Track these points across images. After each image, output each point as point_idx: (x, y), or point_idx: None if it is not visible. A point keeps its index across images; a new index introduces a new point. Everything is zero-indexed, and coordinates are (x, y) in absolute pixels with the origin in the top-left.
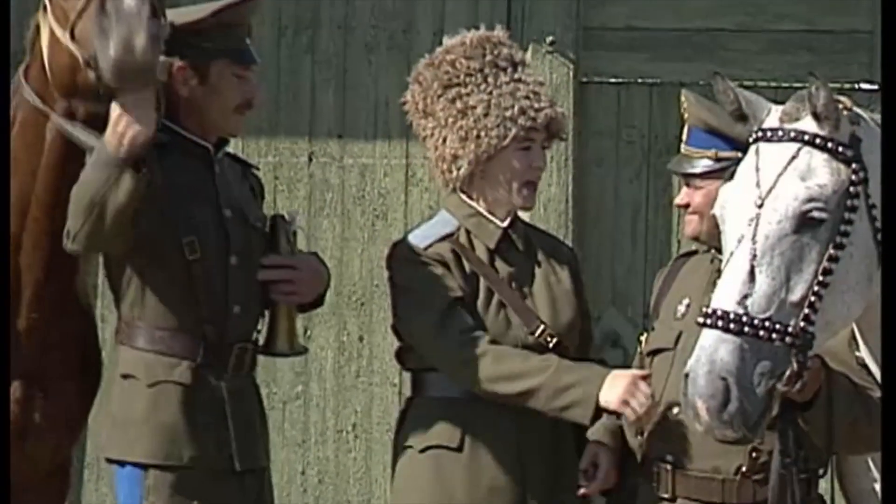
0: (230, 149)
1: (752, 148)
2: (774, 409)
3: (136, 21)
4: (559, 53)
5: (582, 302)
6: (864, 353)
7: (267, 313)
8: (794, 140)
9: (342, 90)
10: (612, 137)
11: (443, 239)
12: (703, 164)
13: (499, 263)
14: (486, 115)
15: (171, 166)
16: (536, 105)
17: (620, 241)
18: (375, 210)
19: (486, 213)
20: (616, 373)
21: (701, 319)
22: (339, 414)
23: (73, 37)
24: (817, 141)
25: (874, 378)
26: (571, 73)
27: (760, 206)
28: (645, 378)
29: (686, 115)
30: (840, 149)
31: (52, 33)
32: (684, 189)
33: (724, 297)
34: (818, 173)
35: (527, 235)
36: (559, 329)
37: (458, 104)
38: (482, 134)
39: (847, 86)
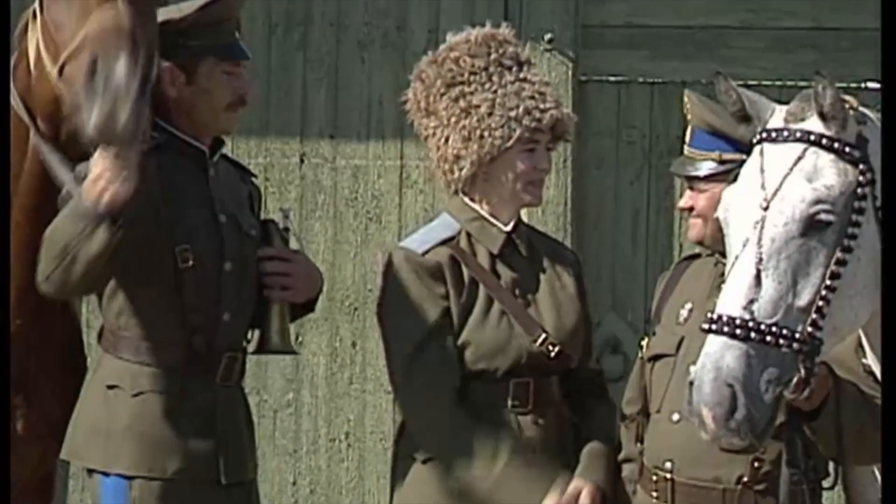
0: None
1: (757, 149)
2: (779, 417)
3: (122, 95)
4: (557, 52)
5: (585, 307)
6: (870, 359)
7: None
8: (799, 140)
9: (334, 89)
10: (612, 138)
11: (443, 243)
12: (706, 167)
13: (501, 269)
14: (489, 114)
15: (166, 166)
16: (542, 105)
17: (621, 244)
18: (369, 213)
19: (489, 217)
20: (561, 489)
21: (706, 325)
22: (331, 422)
23: (60, 73)
24: (824, 141)
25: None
26: (570, 72)
27: (766, 209)
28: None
29: (689, 116)
30: (847, 149)
31: (38, 56)
32: (687, 192)
33: (730, 303)
34: (825, 174)
35: (530, 240)
36: (563, 336)
37: (462, 103)
38: (485, 134)
39: (853, 85)
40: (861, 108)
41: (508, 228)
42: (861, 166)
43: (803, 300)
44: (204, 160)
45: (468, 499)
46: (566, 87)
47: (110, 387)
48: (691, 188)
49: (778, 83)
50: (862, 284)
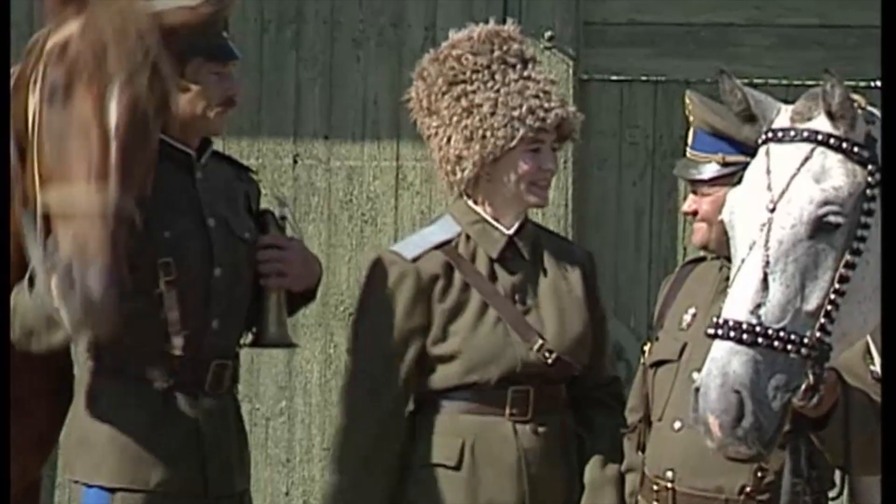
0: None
1: (762, 149)
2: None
3: (99, 309)
4: (558, 49)
5: (597, 309)
6: (879, 366)
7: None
8: (806, 140)
9: (328, 88)
10: (614, 138)
11: (438, 247)
12: (709, 170)
13: (500, 273)
14: (492, 114)
15: None
16: (546, 105)
17: (623, 247)
18: (364, 215)
19: (491, 220)
20: None
21: (711, 330)
22: (325, 431)
23: (43, 212)
24: (831, 141)
25: None
26: (571, 71)
27: (773, 211)
28: None
29: (691, 118)
30: (855, 149)
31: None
32: (690, 196)
33: (736, 307)
34: (833, 175)
35: (536, 241)
36: (564, 343)
37: (464, 102)
38: (488, 134)
39: (862, 83)
40: (869, 108)
41: (510, 231)
42: (870, 167)
43: (811, 304)
44: (191, 163)
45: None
46: (567, 86)
47: (93, 397)
48: (694, 192)
49: (784, 82)
50: (871, 288)
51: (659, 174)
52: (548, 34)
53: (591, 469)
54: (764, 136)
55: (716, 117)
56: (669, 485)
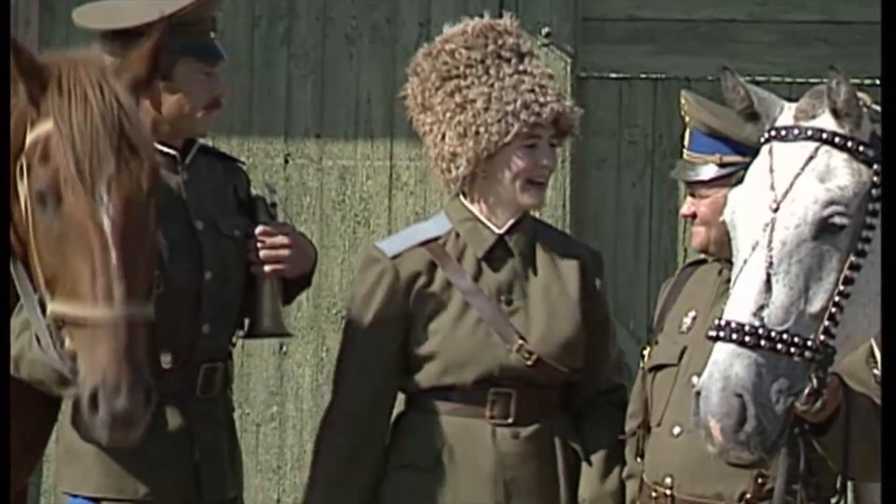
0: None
1: (765, 148)
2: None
3: (134, 425)
4: (556, 46)
5: (597, 312)
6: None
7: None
8: (810, 139)
9: (321, 86)
10: (612, 137)
11: (424, 244)
12: (707, 171)
13: (487, 273)
14: (486, 109)
15: None
16: (541, 99)
17: (622, 249)
18: (357, 216)
19: (483, 219)
20: None
21: (713, 332)
22: None
23: (54, 321)
24: (836, 140)
25: None
26: (569, 68)
27: (776, 211)
28: None
29: (686, 118)
30: (861, 148)
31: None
32: (689, 198)
33: (739, 309)
34: (838, 174)
35: (531, 240)
36: (548, 346)
37: (457, 97)
38: (482, 130)
39: (867, 81)
40: (875, 106)
41: (501, 230)
42: (875, 166)
43: (815, 306)
44: (175, 165)
45: None
46: (564, 83)
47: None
48: (692, 194)
49: (788, 79)
50: (875, 291)
51: (659, 174)
52: (545, 31)
53: (590, 483)
54: (767, 135)
55: (712, 117)
56: (668, 491)
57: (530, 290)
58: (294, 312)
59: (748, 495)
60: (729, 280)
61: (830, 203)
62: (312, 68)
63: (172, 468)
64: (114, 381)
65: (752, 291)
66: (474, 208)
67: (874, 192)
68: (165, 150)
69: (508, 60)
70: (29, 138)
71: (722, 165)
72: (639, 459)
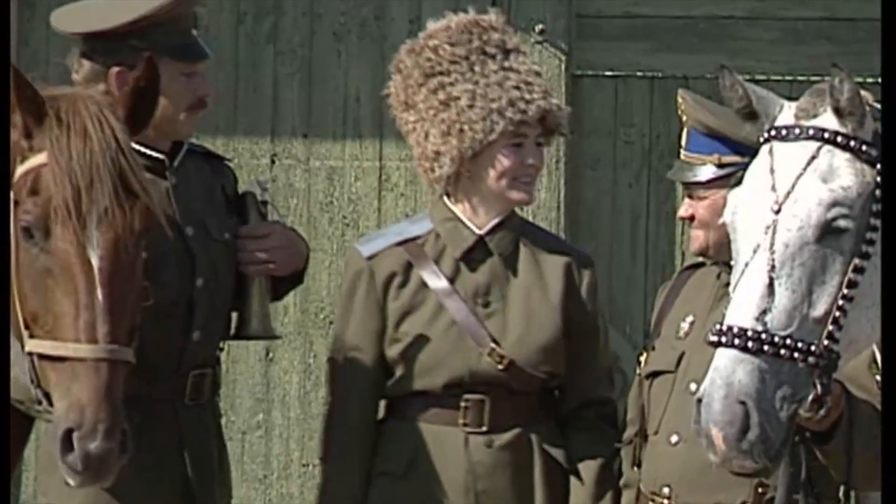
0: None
1: (765, 148)
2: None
3: (106, 473)
4: (550, 44)
5: (583, 318)
6: None
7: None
8: (812, 138)
9: (308, 84)
10: (608, 137)
11: (402, 243)
12: (705, 172)
13: (465, 273)
14: (470, 107)
15: None
16: (527, 96)
17: (618, 251)
18: (345, 218)
19: (464, 219)
20: None
21: (714, 338)
22: (304, 446)
23: (31, 356)
24: (839, 139)
25: None
26: (563, 66)
27: (778, 212)
28: None
29: (684, 118)
30: (864, 148)
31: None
32: (686, 200)
33: (741, 313)
34: (841, 175)
35: (515, 241)
36: (523, 350)
37: (441, 95)
38: (466, 128)
39: (869, 79)
40: (877, 104)
41: (482, 231)
42: (879, 166)
43: (819, 311)
44: (162, 169)
45: None
46: (559, 81)
47: None
48: (690, 195)
49: (788, 77)
50: (879, 294)
51: (656, 175)
52: (539, 27)
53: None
54: (766, 134)
55: (710, 116)
56: (666, 501)
57: (510, 291)
58: (281, 317)
59: None
60: (727, 284)
61: (834, 204)
62: (299, 66)
63: (163, 477)
64: (91, 422)
65: (755, 295)
66: (457, 209)
67: (878, 192)
68: (152, 153)
69: (493, 57)
70: (18, 171)
71: (720, 166)
72: (635, 468)
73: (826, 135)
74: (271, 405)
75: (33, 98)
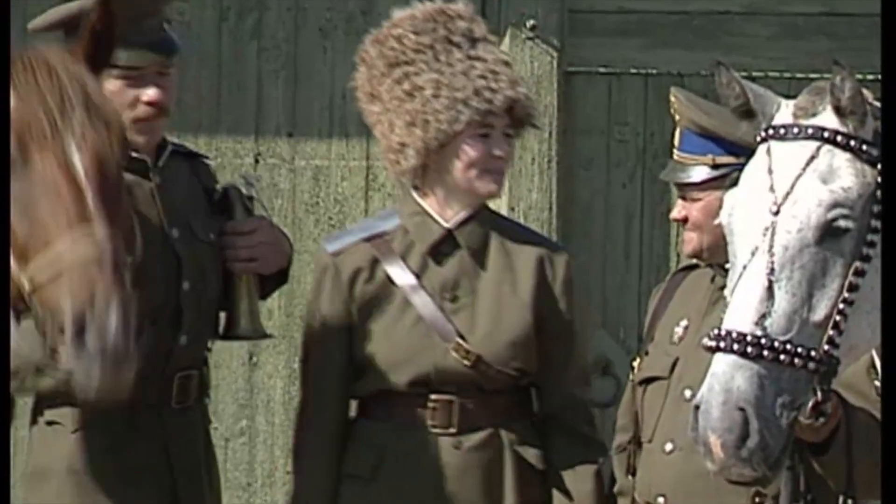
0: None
1: (762, 147)
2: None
3: (122, 357)
4: (541, 40)
5: (556, 314)
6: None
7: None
8: (811, 138)
9: (293, 81)
10: (601, 135)
11: (369, 239)
12: (699, 173)
13: (432, 268)
14: (435, 97)
15: None
16: (494, 85)
17: (612, 253)
18: (331, 218)
19: (432, 213)
20: None
21: (712, 343)
22: (289, 452)
23: (32, 288)
24: (839, 139)
25: None
26: (555, 63)
27: (776, 214)
28: None
29: (676, 117)
30: (864, 147)
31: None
32: (679, 202)
33: (739, 317)
34: (841, 175)
35: (485, 235)
36: (490, 346)
37: (405, 85)
38: (430, 119)
39: (870, 76)
40: (877, 102)
41: (449, 224)
42: (880, 166)
43: (819, 315)
44: (146, 169)
45: None
46: (551, 79)
47: (49, 423)
48: (683, 197)
49: (787, 74)
50: (879, 297)
51: (650, 175)
52: (530, 23)
53: None
54: (764, 134)
55: (703, 116)
56: None
57: (479, 286)
58: (265, 321)
59: None
60: (722, 287)
61: (834, 205)
62: (284, 63)
63: (150, 482)
64: (103, 308)
65: (753, 299)
66: (426, 203)
67: (878, 193)
68: (135, 154)
69: (459, 46)
70: None
71: (714, 167)
72: (629, 477)
73: (826, 134)
74: (255, 411)
75: None
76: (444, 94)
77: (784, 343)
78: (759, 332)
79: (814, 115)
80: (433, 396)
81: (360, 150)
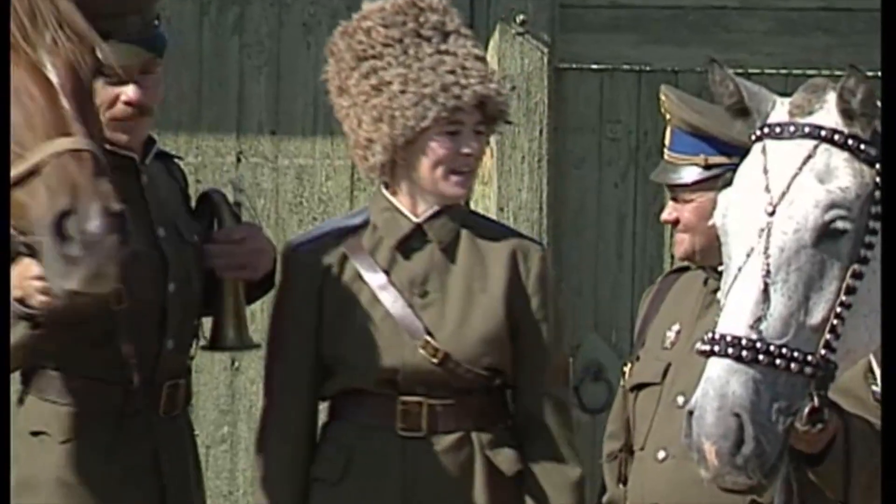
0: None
1: (757, 146)
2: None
3: (107, 255)
4: (532, 35)
5: (530, 308)
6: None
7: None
8: (808, 136)
9: (276, 78)
10: (593, 133)
11: (338, 236)
12: (690, 173)
13: (401, 264)
14: (402, 92)
15: None
16: (463, 81)
17: (603, 254)
18: (316, 219)
19: (401, 208)
20: None
21: (706, 347)
22: None
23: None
24: (836, 137)
25: None
26: (546, 59)
27: (772, 214)
28: None
29: (667, 116)
30: (862, 146)
31: None
32: (670, 203)
33: (734, 321)
34: (839, 175)
35: (456, 229)
36: (459, 343)
37: (373, 80)
38: (397, 114)
39: (869, 73)
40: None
41: (419, 219)
42: (878, 166)
43: (816, 318)
44: (135, 168)
45: None
46: (541, 75)
47: (35, 433)
48: (674, 198)
49: (783, 71)
50: (877, 301)
51: (643, 174)
52: (520, 18)
53: None
54: (759, 132)
55: (695, 114)
56: None
57: (449, 281)
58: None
59: None
60: (715, 290)
61: (832, 206)
62: (267, 59)
63: (139, 492)
64: (87, 199)
65: (749, 302)
66: (395, 199)
67: (877, 193)
68: (123, 152)
69: (429, 40)
70: None
71: (706, 167)
72: (621, 485)
73: (823, 133)
74: (237, 417)
75: None
76: (410, 90)
77: (780, 347)
78: (754, 336)
79: (810, 113)
80: (402, 398)
81: (345, 149)
